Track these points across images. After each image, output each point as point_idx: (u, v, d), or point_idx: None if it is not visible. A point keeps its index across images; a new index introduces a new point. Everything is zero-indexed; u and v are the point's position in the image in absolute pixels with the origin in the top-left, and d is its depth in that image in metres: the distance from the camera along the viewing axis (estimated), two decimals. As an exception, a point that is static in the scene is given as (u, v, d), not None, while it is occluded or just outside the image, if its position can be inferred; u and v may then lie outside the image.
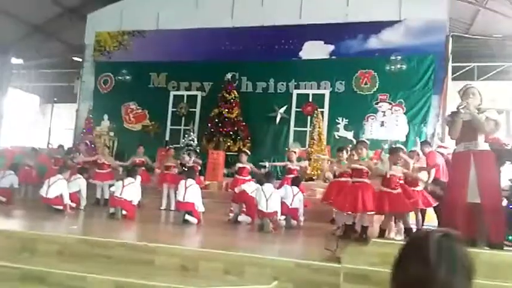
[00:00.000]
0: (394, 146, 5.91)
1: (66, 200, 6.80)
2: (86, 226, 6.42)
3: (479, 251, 3.51)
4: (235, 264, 3.96)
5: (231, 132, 11.74)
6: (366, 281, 3.47)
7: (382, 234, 5.05)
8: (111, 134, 13.45)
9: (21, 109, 18.61)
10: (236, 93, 12.18)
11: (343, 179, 6.07)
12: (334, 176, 6.55)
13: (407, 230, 5.03)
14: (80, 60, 15.30)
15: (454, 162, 4.46)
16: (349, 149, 6.40)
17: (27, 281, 3.94)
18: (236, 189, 7.29)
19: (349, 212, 5.35)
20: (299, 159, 10.90)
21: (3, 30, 15.20)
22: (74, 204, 7.09)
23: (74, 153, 10.14)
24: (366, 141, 6.11)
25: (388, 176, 5.12)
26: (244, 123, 12.04)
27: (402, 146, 5.92)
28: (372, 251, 3.62)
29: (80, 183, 7.36)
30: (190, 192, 6.48)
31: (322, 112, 11.51)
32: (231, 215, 7.06)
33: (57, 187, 6.78)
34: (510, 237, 4.72)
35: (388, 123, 11.60)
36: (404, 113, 11.52)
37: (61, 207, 6.75)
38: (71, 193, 7.03)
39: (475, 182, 4.05)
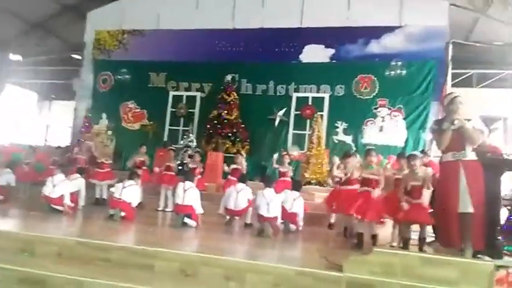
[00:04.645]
0: (412, 152, 5.88)
1: (67, 201, 6.76)
2: (84, 228, 6.38)
3: (482, 263, 3.52)
4: (236, 271, 3.94)
5: (230, 134, 11.73)
6: (368, 290, 3.48)
7: (406, 243, 5.02)
8: (109, 133, 13.39)
9: (19, 106, 18.49)
10: (236, 95, 12.18)
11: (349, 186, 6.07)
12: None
13: (423, 240, 4.98)
14: (79, 58, 15.24)
15: (443, 172, 4.44)
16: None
17: (26, 283, 3.91)
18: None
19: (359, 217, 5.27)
20: (296, 163, 10.94)
21: (2, 26, 15.11)
22: (72, 204, 7.04)
23: (72, 152, 10.08)
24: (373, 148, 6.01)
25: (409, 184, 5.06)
26: (243, 125, 12.04)
27: (419, 154, 5.81)
28: (374, 260, 3.61)
29: (79, 183, 7.31)
30: (189, 194, 6.45)
31: (321, 116, 11.53)
32: (228, 217, 7.00)
33: (62, 187, 6.75)
34: (508, 248, 4.73)
35: (387, 129, 11.65)
36: (404, 119, 11.57)
37: (61, 208, 6.71)
38: (70, 193, 6.98)
39: (466, 192, 4.06)
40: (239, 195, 6.63)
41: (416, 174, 5.03)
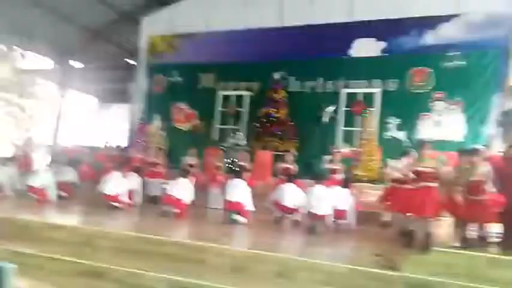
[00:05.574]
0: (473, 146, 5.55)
1: (124, 198, 7.09)
2: (141, 223, 6.65)
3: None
4: (287, 268, 3.91)
5: (279, 132, 11.69)
6: (427, 291, 3.29)
7: (464, 242, 4.73)
8: (162, 133, 13.86)
9: (80, 109, 19.70)
10: (284, 92, 12.12)
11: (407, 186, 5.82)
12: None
13: (483, 239, 4.65)
14: (134, 63, 15.95)
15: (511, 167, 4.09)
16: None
17: (88, 276, 4.12)
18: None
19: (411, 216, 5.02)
20: (348, 160, 10.65)
21: (63, 34, 16.18)
22: (130, 202, 7.36)
23: (130, 153, 10.56)
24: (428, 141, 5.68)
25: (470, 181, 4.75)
26: (292, 123, 11.94)
27: (481, 148, 5.43)
28: (434, 260, 3.42)
29: (135, 181, 7.64)
30: (239, 191, 6.50)
31: (372, 111, 11.16)
32: (278, 215, 6.94)
33: (118, 185, 7.10)
34: None
35: (444, 123, 11.00)
36: (463, 112, 10.87)
37: (118, 205, 7.04)
38: (127, 191, 7.31)
39: None
40: (293, 194, 6.56)
41: (477, 170, 4.67)
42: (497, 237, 4.53)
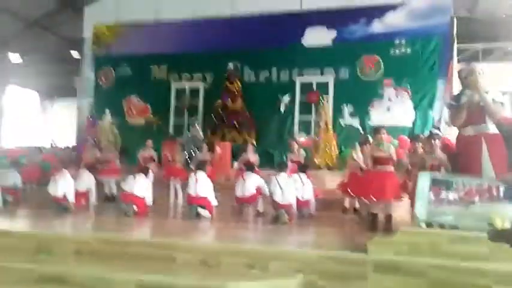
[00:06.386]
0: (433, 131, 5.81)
1: (72, 198, 6.65)
2: (99, 224, 6.34)
3: None
4: (258, 258, 3.89)
5: (236, 123, 11.64)
6: (396, 270, 3.40)
7: None
8: (115, 129, 13.30)
9: (21, 106, 18.41)
10: (239, 83, 12.04)
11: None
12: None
13: None
14: (79, 55, 15.10)
15: (464, 146, 4.35)
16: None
17: (47, 282, 3.87)
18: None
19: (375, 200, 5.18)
20: (305, 149, 10.82)
21: (0, 26, 14.97)
22: (84, 202, 6.99)
23: (80, 151, 10.03)
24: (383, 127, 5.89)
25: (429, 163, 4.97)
26: (248, 114, 11.92)
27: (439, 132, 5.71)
28: (399, 240, 3.54)
29: (89, 181, 7.25)
30: (202, 185, 6.38)
31: (326, 100, 11.38)
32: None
33: (68, 185, 6.67)
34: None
35: (394, 109, 11.48)
36: (410, 98, 11.39)
37: (71, 206, 6.65)
38: (81, 191, 6.92)
39: (489, 165, 3.98)
40: (246, 182, 6.56)
41: (435, 153, 4.94)
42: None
